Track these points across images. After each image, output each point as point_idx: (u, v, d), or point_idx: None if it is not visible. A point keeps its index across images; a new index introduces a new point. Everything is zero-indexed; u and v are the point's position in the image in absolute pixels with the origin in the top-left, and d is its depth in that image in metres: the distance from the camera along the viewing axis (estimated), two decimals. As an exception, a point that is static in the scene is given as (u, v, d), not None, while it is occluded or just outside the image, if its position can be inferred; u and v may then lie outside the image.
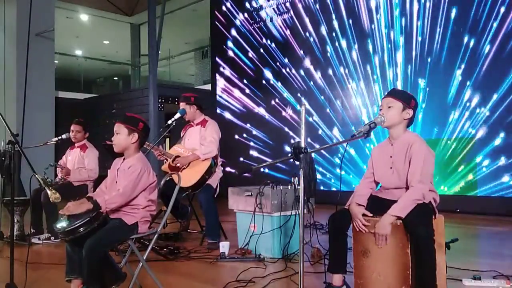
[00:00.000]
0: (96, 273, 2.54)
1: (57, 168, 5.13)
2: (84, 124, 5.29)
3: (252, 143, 9.51)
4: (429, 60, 6.98)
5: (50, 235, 4.85)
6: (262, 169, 8.48)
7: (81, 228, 2.53)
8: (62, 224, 2.58)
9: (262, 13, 9.40)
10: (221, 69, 10.19)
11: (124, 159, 2.91)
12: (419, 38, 7.07)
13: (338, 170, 7.74)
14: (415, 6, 7.12)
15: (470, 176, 6.57)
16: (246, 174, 7.50)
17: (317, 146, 8.03)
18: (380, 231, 2.47)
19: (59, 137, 5.25)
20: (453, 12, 6.74)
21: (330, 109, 8.22)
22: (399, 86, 7.24)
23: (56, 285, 3.22)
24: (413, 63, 7.16)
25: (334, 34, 8.17)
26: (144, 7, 11.65)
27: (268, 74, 9.24)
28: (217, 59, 10.32)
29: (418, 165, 2.54)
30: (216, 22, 10.43)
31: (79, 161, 5.17)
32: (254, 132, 9.50)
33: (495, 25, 6.36)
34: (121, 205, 2.72)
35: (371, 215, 2.58)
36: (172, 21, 13.47)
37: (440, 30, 6.85)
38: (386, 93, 2.79)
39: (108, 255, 2.71)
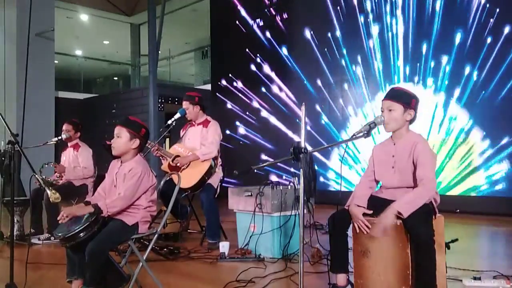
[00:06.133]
0: (99, 276, 2.54)
1: (54, 167, 5.16)
2: (74, 124, 5.28)
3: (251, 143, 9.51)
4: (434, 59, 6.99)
5: (50, 235, 4.84)
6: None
7: (81, 234, 2.53)
8: (62, 230, 2.57)
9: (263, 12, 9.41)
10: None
11: (121, 162, 2.86)
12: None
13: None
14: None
15: (470, 176, 6.57)
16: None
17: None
18: (383, 220, 2.42)
19: (59, 137, 5.25)
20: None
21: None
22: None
23: (56, 285, 3.22)
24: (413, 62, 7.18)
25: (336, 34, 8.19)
26: (144, 7, 11.66)
27: (267, 70, 9.25)
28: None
29: (427, 164, 2.52)
30: (216, 22, 10.41)
31: (74, 160, 5.17)
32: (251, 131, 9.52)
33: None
34: (122, 209, 2.71)
35: (371, 212, 2.57)
36: (172, 21, 13.47)
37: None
38: (385, 94, 2.68)
39: (110, 258, 2.71)
